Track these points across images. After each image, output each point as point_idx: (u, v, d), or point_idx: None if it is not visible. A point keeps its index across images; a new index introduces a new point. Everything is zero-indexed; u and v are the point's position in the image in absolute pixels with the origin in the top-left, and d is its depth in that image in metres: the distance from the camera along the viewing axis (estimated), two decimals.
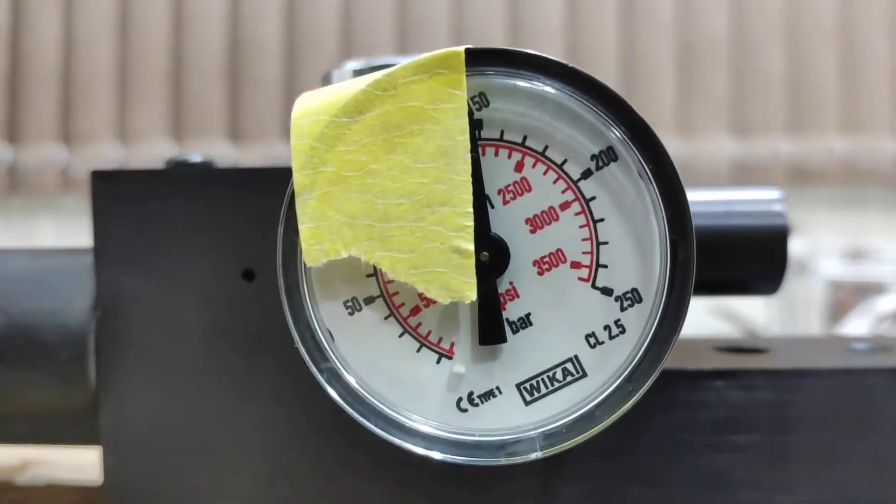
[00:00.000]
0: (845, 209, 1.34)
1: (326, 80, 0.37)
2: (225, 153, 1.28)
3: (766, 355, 0.38)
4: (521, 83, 0.27)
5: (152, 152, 1.29)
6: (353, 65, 0.37)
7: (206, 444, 0.34)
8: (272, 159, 1.25)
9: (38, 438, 0.38)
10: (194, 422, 0.34)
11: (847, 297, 1.12)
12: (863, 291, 1.11)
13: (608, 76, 1.28)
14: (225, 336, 0.34)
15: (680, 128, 1.30)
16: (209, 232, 0.34)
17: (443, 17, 1.29)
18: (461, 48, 0.26)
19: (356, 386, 0.27)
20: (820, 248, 1.15)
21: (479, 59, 0.26)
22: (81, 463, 0.44)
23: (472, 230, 0.26)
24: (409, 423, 0.27)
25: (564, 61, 0.26)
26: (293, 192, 0.26)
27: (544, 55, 0.26)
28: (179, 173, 0.35)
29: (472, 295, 0.26)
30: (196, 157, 0.37)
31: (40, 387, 0.36)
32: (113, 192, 0.35)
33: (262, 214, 0.34)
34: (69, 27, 1.29)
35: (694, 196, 0.35)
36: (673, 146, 1.27)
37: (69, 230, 1.31)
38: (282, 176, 0.34)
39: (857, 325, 1.08)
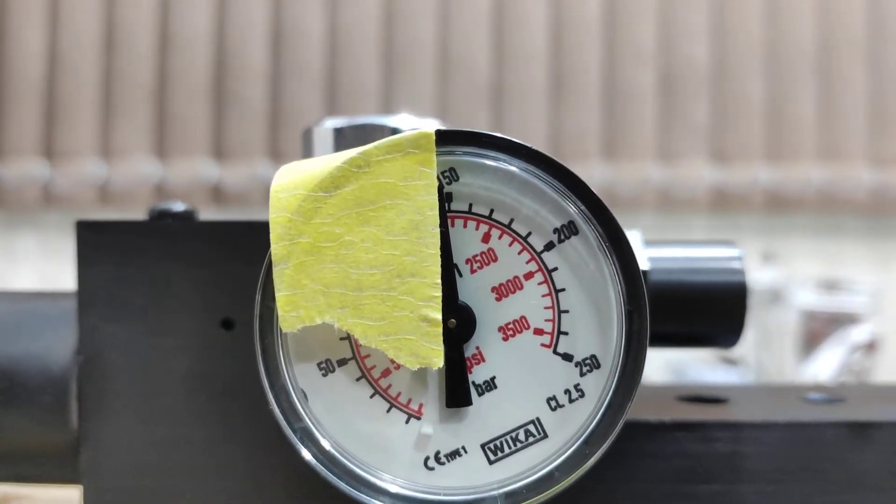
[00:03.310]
0: (822, 237, 1.36)
1: (307, 136, 0.39)
2: (209, 172, 1.29)
3: (725, 406, 0.39)
4: (488, 161, 0.29)
5: (135, 170, 1.30)
6: (332, 123, 0.38)
7: (183, 487, 0.35)
8: (256, 178, 1.26)
9: (20, 478, 0.39)
10: (173, 465, 0.36)
11: (821, 326, 1.13)
12: (836, 321, 1.13)
13: (590, 102, 1.30)
14: (203, 382, 0.35)
15: (660, 154, 1.32)
16: (190, 281, 0.36)
17: (429, 41, 1.30)
18: (431, 130, 0.27)
19: (329, 447, 0.29)
20: (794, 278, 1.17)
21: (449, 140, 0.28)
22: (62, 498, 0.45)
23: (440, 300, 0.28)
24: (377, 483, 0.29)
25: (528, 144, 0.28)
26: (270, 262, 0.28)
27: (509, 138, 0.28)
28: (162, 225, 0.36)
29: (439, 361, 0.28)
30: (179, 206, 0.38)
31: (22, 428, 0.37)
32: (97, 241, 0.36)
33: (241, 266, 0.35)
34: (53, 43, 1.30)
35: (657, 252, 0.38)
36: (653, 172, 1.29)
37: (50, 247, 1.32)
38: (260, 229, 0.35)
39: (831, 355, 1.10)
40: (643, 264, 0.36)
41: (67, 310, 0.38)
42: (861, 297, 1.14)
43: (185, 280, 0.36)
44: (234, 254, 0.35)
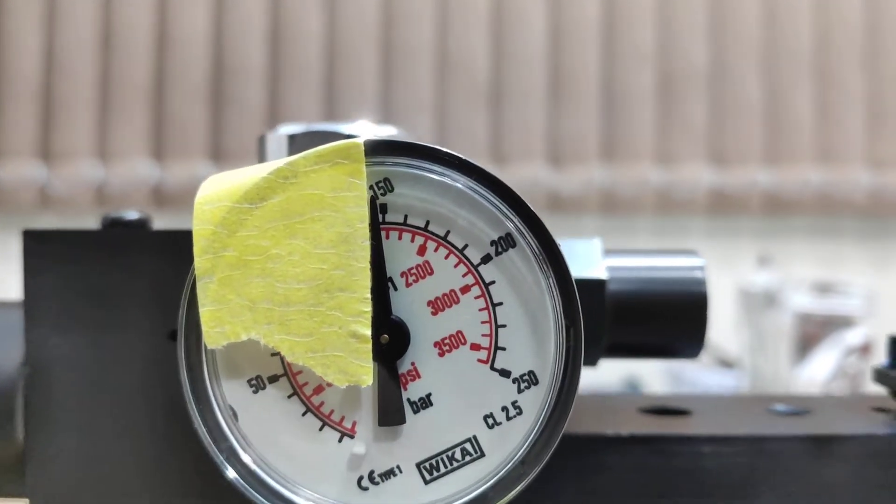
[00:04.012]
0: (820, 239, 1.35)
1: (261, 144, 0.38)
2: (207, 173, 1.28)
3: (688, 418, 0.38)
4: (423, 172, 0.28)
5: (133, 172, 1.29)
6: (286, 129, 0.37)
7: (131, 502, 0.35)
8: None
9: None
10: (120, 479, 0.35)
11: (815, 329, 1.13)
12: (831, 324, 1.12)
13: (589, 104, 1.29)
14: (152, 395, 0.35)
15: (659, 157, 1.31)
16: (138, 292, 0.35)
17: (427, 42, 1.29)
18: (360, 140, 0.27)
19: (254, 466, 0.28)
20: (789, 282, 1.16)
21: (380, 151, 0.27)
22: None
23: (369, 315, 0.27)
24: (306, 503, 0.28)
25: (461, 155, 0.27)
26: (195, 276, 0.27)
27: (441, 149, 0.27)
28: (112, 235, 0.36)
29: (367, 379, 0.27)
30: (132, 214, 0.37)
31: None
32: (45, 251, 0.36)
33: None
34: (50, 43, 1.29)
35: (616, 262, 0.37)
36: (652, 174, 1.29)
37: None
38: None
39: (825, 358, 1.09)
40: (601, 274, 0.35)
41: (15, 321, 0.37)
42: (855, 299, 1.13)
43: (135, 291, 0.35)
44: (186, 263, 0.35)
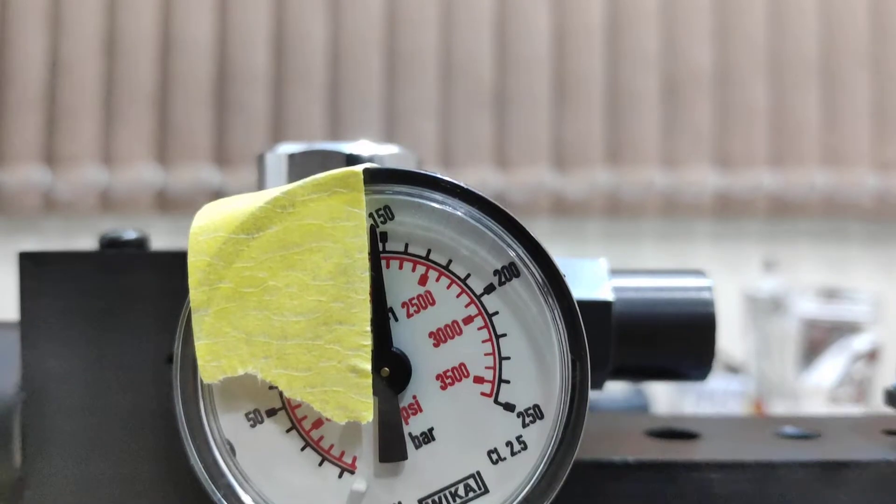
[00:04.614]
0: (826, 242, 1.34)
1: (260, 163, 0.37)
2: (211, 178, 1.28)
3: (695, 442, 0.38)
4: (424, 200, 0.27)
5: (137, 176, 1.29)
6: (286, 148, 0.37)
7: None
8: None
9: None
10: (118, 503, 0.34)
11: (822, 335, 1.12)
12: (837, 330, 1.11)
13: (594, 107, 1.29)
14: (150, 419, 0.34)
15: (664, 159, 1.30)
16: (137, 314, 0.34)
17: (431, 47, 1.29)
18: (359, 168, 0.26)
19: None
20: (795, 287, 1.15)
21: (379, 179, 0.26)
22: None
23: (369, 349, 0.26)
24: None
25: (462, 183, 0.26)
26: (190, 309, 0.26)
27: (443, 177, 0.26)
28: (110, 255, 0.35)
29: (368, 415, 0.26)
30: (131, 234, 0.37)
31: None
32: (42, 273, 0.35)
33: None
34: (55, 48, 1.29)
35: (623, 282, 0.36)
36: (657, 178, 1.28)
37: None
38: None
39: (832, 364, 1.08)
40: (607, 295, 0.35)
41: (12, 342, 0.37)
42: (862, 305, 1.12)
43: (133, 313, 0.34)
44: (185, 285, 0.34)
